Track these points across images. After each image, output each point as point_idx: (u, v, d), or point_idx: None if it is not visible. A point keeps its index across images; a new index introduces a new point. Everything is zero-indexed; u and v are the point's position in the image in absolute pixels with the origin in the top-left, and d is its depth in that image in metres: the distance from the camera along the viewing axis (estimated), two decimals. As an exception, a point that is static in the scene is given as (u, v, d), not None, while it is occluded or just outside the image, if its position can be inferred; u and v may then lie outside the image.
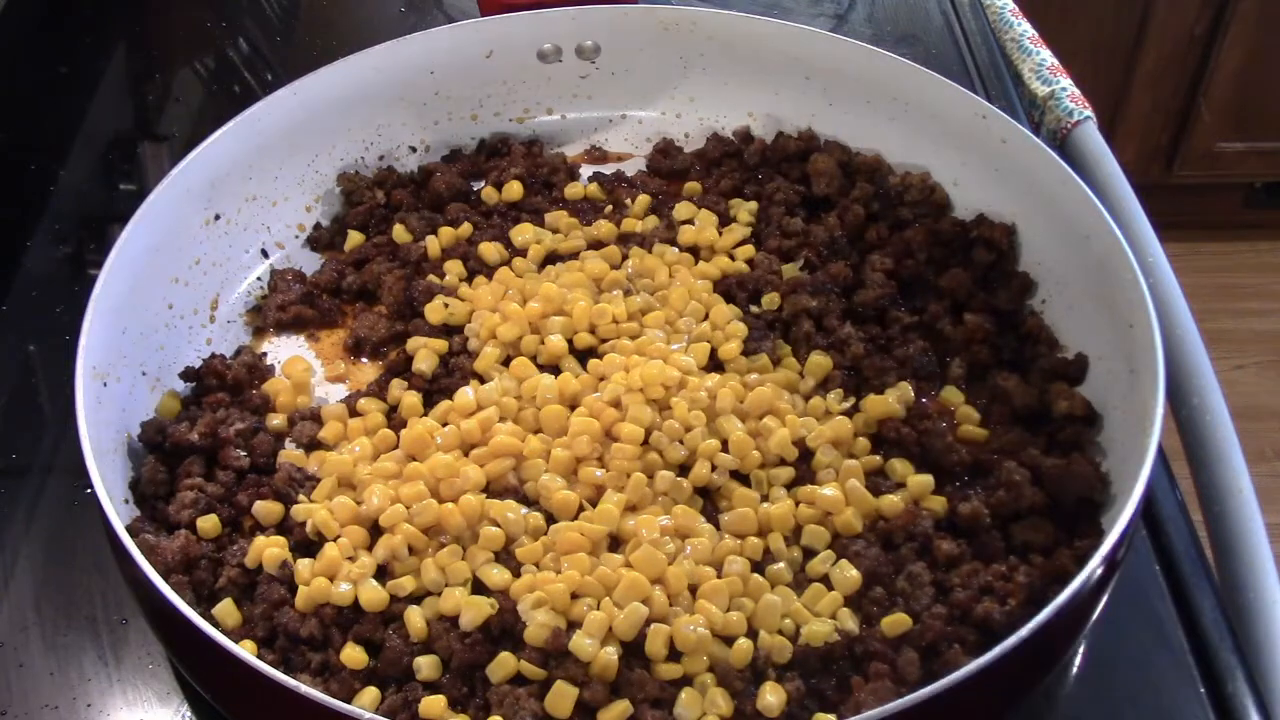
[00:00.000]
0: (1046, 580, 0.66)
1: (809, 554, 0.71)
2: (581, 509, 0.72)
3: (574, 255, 0.90)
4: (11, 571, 0.74)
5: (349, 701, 0.63)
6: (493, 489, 0.74)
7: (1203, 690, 0.67)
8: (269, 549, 0.69)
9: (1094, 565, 0.59)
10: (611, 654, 0.64)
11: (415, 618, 0.67)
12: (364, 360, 0.85)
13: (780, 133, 0.98)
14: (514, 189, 0.95)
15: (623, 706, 0.63)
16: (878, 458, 0.75)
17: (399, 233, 0.92)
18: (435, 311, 0.85)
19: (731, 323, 0.83)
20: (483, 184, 0.98)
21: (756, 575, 0.69)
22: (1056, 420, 0.75)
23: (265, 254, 0.91)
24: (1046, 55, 1.06)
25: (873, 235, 0.90)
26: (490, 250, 0.90)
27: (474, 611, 0.66)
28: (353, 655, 0.66)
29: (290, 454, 0.77)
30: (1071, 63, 1.07)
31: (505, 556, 0.70)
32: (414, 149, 1.00)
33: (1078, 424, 0.75)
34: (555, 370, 0.81)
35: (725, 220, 0.92)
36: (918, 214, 0.90)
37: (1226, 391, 0.79)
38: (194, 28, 1.21)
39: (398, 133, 0.99)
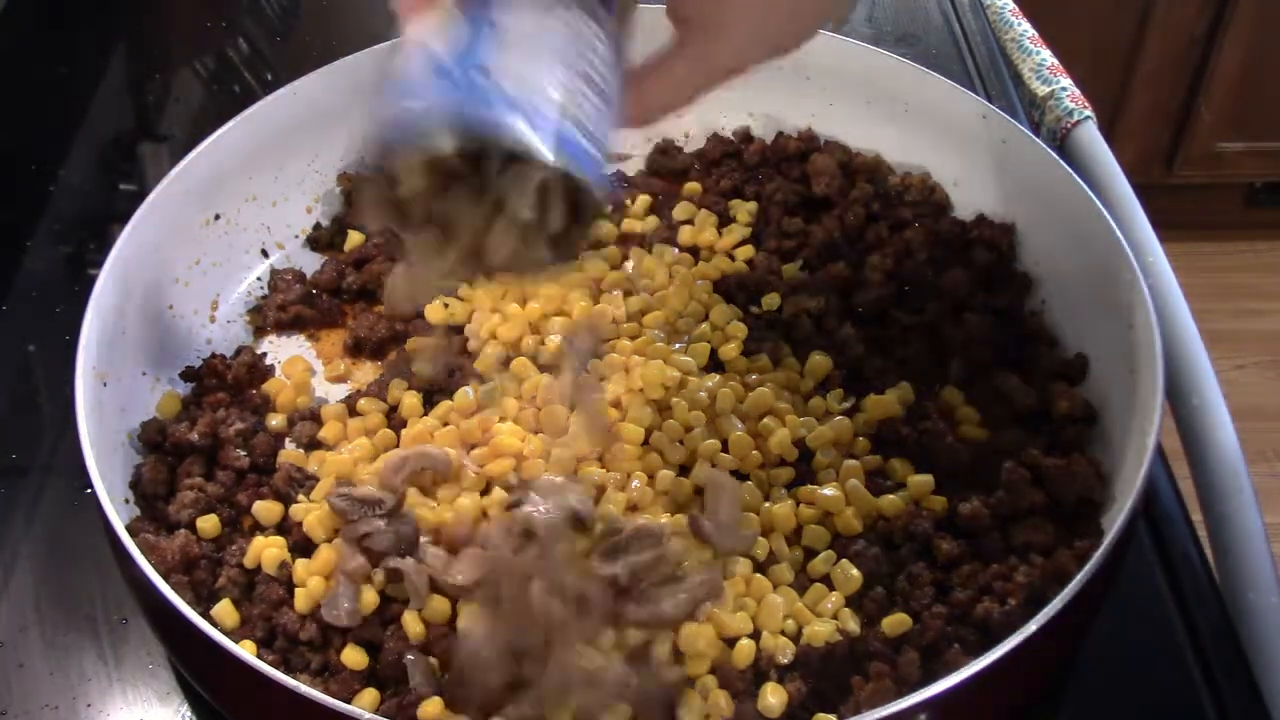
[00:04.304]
0: (1046, 580, 0.66)
1: (810, 554, 0.71)
2: (581, 509, 0.72)
3: (574, 255, 0.90)
4: (11, 571, 0.74)
5: (349, 702, 0.63)
6: (493, 489, 0.74)
7: (1203, 690, 0.67)
8: (268, 549, 0.69)
9: (1094, 565, 0.59)
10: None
11: (414, 619, 0.67)
12: (364, 360, 0.85)
13: (780, 133, 0.98)
14: (514, 189, 0.95)
15: (623, 706, 0.63)
16: (878, 458, 0.75)
17: (399, 233, 0.91)
18: (435, 311, 0.85)
19: (731, 323, 0.83)
20: (483, 184, 0.97)
21: (758, 575, 0.69)
22: (1056, 420, 0.75)
23: (265, 254, 0.91)
24: (1046, 55, 1.06)
25: (873, 235, 0.90)
26: (490, 250, 0.89)
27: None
28: (352, 656, 0.66)
29: (290, 454, 0.77)
30: (1071, 63, 1.07)
31: (505, 556, 0.70)
32: (414, 149, 0.99)
33: (1078, 424, 0.75)
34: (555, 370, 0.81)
35: (725, 220, 0.92)
36: (918, 214, 0.90)
37: (1226, 391, 0.78)
38: (194, 28, 1.21)
39: (398, 133, 0.99)
